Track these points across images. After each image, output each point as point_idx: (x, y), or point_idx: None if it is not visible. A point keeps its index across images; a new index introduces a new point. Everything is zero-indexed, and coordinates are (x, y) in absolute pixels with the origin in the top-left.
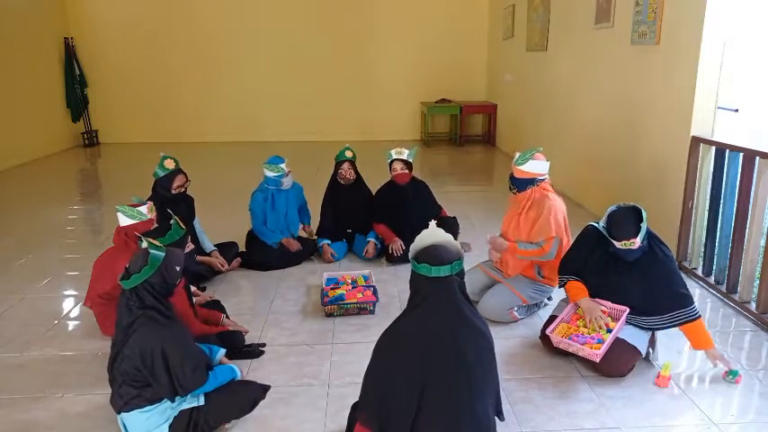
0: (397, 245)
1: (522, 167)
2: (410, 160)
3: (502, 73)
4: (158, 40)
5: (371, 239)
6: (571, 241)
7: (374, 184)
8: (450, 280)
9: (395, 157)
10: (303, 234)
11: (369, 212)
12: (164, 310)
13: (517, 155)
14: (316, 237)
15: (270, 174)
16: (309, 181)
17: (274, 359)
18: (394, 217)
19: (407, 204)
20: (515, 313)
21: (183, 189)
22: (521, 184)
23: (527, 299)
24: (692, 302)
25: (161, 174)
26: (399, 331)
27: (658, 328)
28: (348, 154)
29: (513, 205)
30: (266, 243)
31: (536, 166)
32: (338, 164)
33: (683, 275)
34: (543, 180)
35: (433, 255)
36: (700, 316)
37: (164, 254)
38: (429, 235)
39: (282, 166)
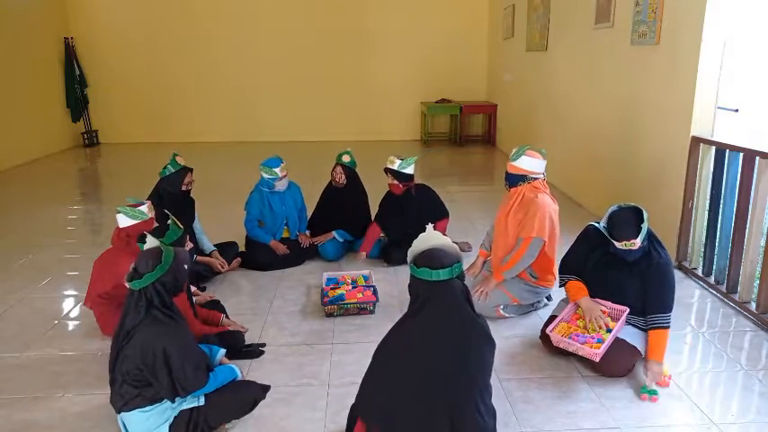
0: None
1: (514, 163)
2: (403, 171)
3: (502, 73)
4: (158, 40)
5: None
6: (566, 242)
7: (374, 183)
8: (450, 283)
9: (387, 165)
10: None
11: (364, 216)
12: (168, 311)
13: (513, 151)
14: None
15: (264, 175)
16: (307, 181)
17: (274, 359)
18: (392, 223)
19: (403, 213)
20: (501, 311)
21: (189, 188)
22: (512, 180)
23: (519, 299)
24: (671, 311)
25: (172, 169)
26: (402, 335)
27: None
28: (345, 158)
29: (503, 204)
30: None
31: (528, 163)
32: (334, 166)
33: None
34: (537, 179)
35: (432, 258)
36: (669, 326)
37: (174, 252)
38: (427, 239)
39: (277, 170)
